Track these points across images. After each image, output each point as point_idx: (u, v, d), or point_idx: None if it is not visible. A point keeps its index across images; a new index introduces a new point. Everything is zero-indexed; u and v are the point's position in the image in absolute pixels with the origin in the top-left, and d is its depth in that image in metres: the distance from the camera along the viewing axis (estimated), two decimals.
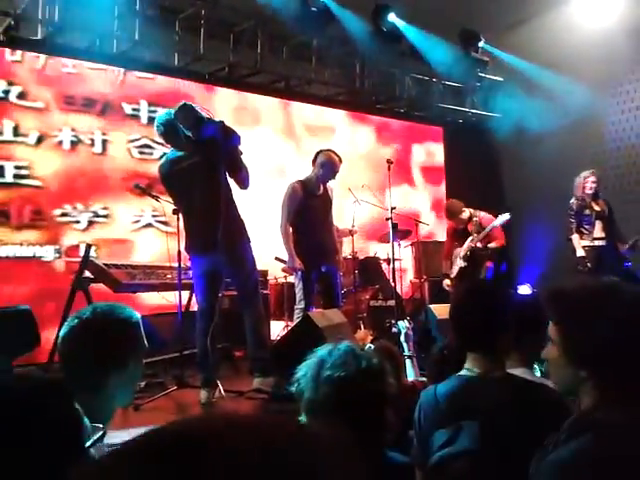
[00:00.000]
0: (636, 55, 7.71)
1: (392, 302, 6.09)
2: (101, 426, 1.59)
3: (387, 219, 5.19)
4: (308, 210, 5.10)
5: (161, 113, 4.26)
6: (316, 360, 1.62)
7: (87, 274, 4.61)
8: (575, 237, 6.27)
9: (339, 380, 1.54)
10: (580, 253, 6.23)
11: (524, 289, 7.43)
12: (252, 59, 7.07)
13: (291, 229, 5.06)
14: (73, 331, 1.70)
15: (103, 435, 1.55)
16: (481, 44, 8.58)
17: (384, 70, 8.27)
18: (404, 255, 7.51)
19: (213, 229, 3.92)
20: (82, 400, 1.39)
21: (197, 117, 3.91)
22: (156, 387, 4.22)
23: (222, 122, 4.05)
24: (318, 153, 5.30)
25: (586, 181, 6.24)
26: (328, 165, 5.18)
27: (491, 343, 1.94)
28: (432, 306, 4.62)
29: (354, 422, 1.46)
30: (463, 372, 2.03)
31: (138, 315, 1.81)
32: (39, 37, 5.99)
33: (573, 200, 6.31)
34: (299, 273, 5.03)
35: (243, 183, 4.28)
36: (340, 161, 5.33)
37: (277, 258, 5.80)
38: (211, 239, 3.93)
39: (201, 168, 4.06)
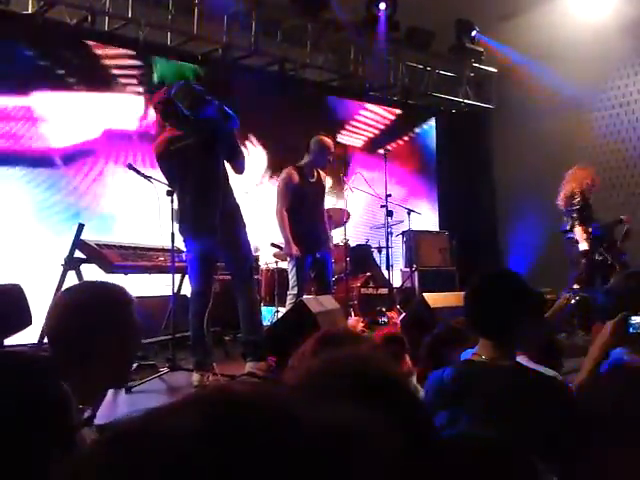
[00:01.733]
0: (628, 50, 7.76)
1: (383, 290, 6.10)
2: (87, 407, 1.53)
3: (382, 206, 5.17)
4: (303, 196, 5.06)
5: (161, 91, 4.17)
6: None
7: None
8: (578, 230, 6.14)
9: None
10: (584, 247, 6.11)
11: None
12: (246, 41, 6.98)
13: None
14: (58, 307, 1.64)
15: (93, 416, 1.50)
16: (474, 34, 8.57)
17: (378, 57, 8.21)
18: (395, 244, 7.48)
19: (211, 212, 3.86)
20: (69, 380, 1.35)
21: (196, 97, 3.84)
22: (148, 370, 4.17)
23: (221, 104, 3.99)
24: (312, 139, 5.25)
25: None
26: (322, 151, 5.14)
27: (504, 331, 1.92)
28: (426, 295, 4.61)
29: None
30: (472, 357, 2.02)
31: (130, 294, 1.71)
32: (30, 12, 5.86)
33: (577, 195, 6.14)
34: (293, 259, 5.00)
35: (239, 168, 4.23)
36: (335, 146, 5.29)
37: (273, 244, 5.76)
38: (208, 222, 3.88)
39: (198, 149, 3.98)
